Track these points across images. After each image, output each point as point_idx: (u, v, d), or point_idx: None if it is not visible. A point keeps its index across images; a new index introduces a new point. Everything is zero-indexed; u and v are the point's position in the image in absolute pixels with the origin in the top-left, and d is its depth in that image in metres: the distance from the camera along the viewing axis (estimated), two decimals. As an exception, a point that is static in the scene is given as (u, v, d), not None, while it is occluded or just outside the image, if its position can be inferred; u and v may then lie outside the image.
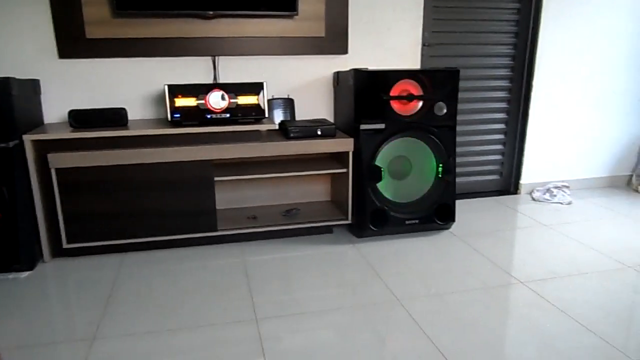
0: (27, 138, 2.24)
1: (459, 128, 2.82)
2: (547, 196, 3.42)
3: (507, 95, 3.41)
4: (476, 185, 3.55)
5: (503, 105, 3.43)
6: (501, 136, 3.49)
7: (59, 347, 1.73)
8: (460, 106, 2.72)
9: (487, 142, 3.48)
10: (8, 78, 2.17)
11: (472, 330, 1.81)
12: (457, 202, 2.81)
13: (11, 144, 2.17)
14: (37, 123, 2.53)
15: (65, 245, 2.38)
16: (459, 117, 2.75)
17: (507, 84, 3.39)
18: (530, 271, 2.30)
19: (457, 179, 2.88)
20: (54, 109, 2.64)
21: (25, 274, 2.30)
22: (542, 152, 3.53)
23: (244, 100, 2.51)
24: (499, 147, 3.51)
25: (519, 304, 2.01)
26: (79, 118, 2.40)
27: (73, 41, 2.56)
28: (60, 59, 2.59)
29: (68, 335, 1.80)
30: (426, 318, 1.89)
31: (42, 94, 2.61)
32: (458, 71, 2.62)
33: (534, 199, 3.44)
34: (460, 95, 2.73)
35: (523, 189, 3.57)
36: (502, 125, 3.47)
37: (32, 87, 2.49)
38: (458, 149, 3.00)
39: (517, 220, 3.05)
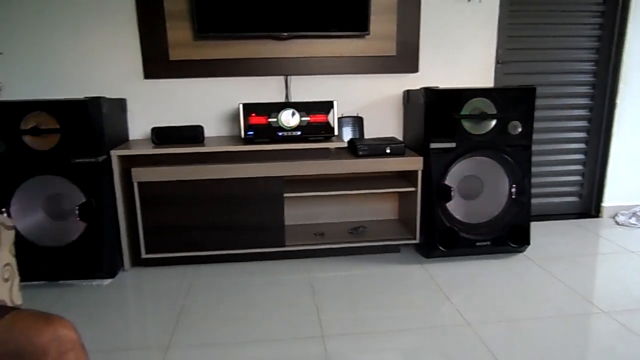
0: (114, 153, 2.40)
1: (535, 147, 2.70)
2: (633, 220, 3.19)
3: (587, 113, 3.24)
4: (553, 207, 3.38)
5: (583, 123, 3.25)
6: (581, 156, 3.31)
7: (135, 353, 1.82)
8: (536, 124, 2.61)
9: (566, 162, 3.31)
10: (99, 97, 2.35)
11: (548, 361, 1.71)
12: (533, 224, 2.68)
13: (100, 158, 2.33)
14: (123, 139, 2.71)
15: (143, 255, 2.52)
16: (535, 136, 2.64)
17: (588, 102, 3.22)
18: (615, 300, 2.14)
19: (533, 200, 2.75)
20: (138, 126, 2.83)
21: (107, 281, 2.44)
22: (627, 173, 3.30)
23: (314, 118, 2.55)
24: (579, 167, 3.33)
25: (601, 335, 1.88)
26: (160, 135, 2.55)
27: (157, 63, 2.74)
28: (145, 79, 2.78)
29: (144, 343, 1.89)
30: (498, 344, 1.81)
31: (128, 112, 2.80)
32: (534, 89, 2.52)
33: (618, 223, 3.22)
34: (537, 113, 2.63)
35: (605, 212, 3.35)
36: (582, 145, 3.29)
37: (120, 105, 2.68)
38: (534, 169, 2.87)
39: (600, 245, 2.86)
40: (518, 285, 2.32)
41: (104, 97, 2.39)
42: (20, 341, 0.87)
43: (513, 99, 2.51)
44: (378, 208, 3.00)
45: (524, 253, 2.70)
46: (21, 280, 1.45)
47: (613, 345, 1.79)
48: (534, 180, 3.10)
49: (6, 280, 1.33)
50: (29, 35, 2.66)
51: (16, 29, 2.65)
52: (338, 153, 2.67)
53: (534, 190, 3.13)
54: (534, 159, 2.90)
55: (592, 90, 3.21)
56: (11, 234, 1.36)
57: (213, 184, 2.47)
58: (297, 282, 2.40)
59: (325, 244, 2.64)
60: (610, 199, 3.33)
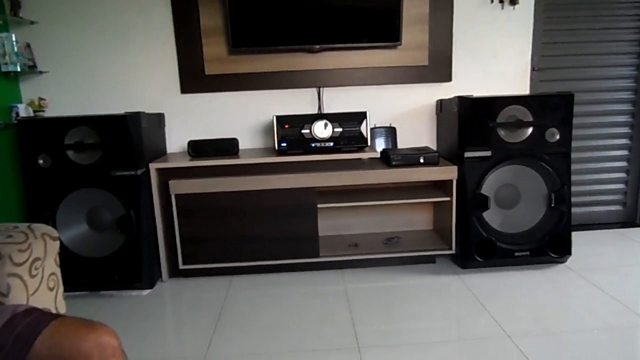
0: (153, 166, 2.47)
1: (576, 155, 2.63)
2: (681, 230, 3.05)
3: (629, 119, 3.14)
4: (595, 216, 3.27)
5: (625, 130, 3.15)
6: (624, 163, 3.19)
7: (174, 361, 1.85)
8: (576, 132, 2.55)
9: (608, 170, 3.21)
10: (139, 113, 2.43)
11: (594, 375, 1.65)
12: (575, 234, 2.59)
13: (139, 171, 2.40)
14: (161, 152, 2.78)
15: (181, 266, 2.56)
16: (575, 144, 2.56)
17: (630, 108, 3.12)
18: (663, 313, 2.05)
19: (574, 209, 2.66)
20: (176, 140, 2.90)
21: (146, 292, 2.50)
22: (673, 181, 3.17)
23: (347, 129, 2.56)
24: (622, 175, 3.22)
25: (649, 349, 1.80)
26: (196, 148, 2.61)
27: (194, 78, 2.82)
28: (182, 94, 2.85)
29: (181, 353, 1.92)
30: (540, 357, 1.75)
31: (166, 126, 2.87)
32: (572, 95, 2.46)
33: (664, 233, 3.09)
34: (576, 120, 2.56)
35: (651, 222, 3.22)
36: (625, 152, 3.18)
37: (158, 120, 2.76)
38: (575, 177, 2.79)
39: (645, 255, 2.75)
40: (559, 297, 2.26)
41: (143, 112, 2.47)
42: (65, 346, 0.90)
43: (550, 106, 2.46)
44: (412, 218, 2.97)
45: (566, 264, 2.61)
46: (65, 290, 1.51)
47: (663, 360, 1.72)
48: (575, 188, 3.02)
49: (51, 289, 1.38)
50: (73, 55, 2.78)
51: (61, 48, 2.77)
52: (371, 163, 2.67)
53: (575, 199, 3.04)
54: (575, 166, 2.84)
55: (633, 96, 3.11)
56: (56, 245, 1.42)
57: (248, 196, 2.50)
58: (332, 293, 2.39)
59: (359, 254, 2.63)
60: (656, 207, 3.20)
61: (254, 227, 2.54)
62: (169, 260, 2.61)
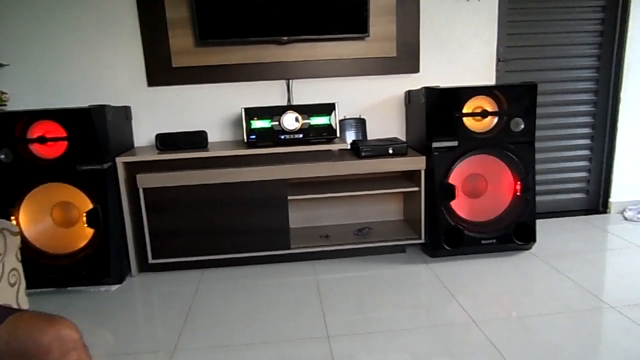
0: (119, 160, 2.43)
1: (539, 144, 2.70)
2: (641, 216, 3.16)
3: (591, 108, 3.23)
4: (560, 204, 3.36)
5: (587, 119, 3.24)
6: (586, 152, 3.29)
7: (143, 357, 1.84)
8: (540, 122, 2.61)
9: (571, 159, 3.30)
10: (104, 106, 2.39)
11: (556, 356, 1.70)
12: (539, 221, 2.67)
13: (105, 165, 2.36)
14: (128, 146, 2.74)
15: (150, 261, 2.54)
16: (539, 133, 2.63)
17: (592, 97, 3.21)
18: (623, 295, 2.13)
19: (539, 198, 2.74)
20: (143, 133, 2.86)
21: (115, 287, 2.47)
22: (634, 167, 3.28)
23: (316, 121, 2.57)
24: (585, 163, 3.31)
25: (608, 330, 1.87)
26: (164, 141, 2.58)
27: (160, 70, 2.77)
28: (149, 87, 2.81)
29: (151, 346, 1.91)
30: (505, 342, 1.80)
31: (133, 119, 2.83)
32: (536, 85, 2.52)
33: (626, 219, 3.19)
34: (540, 110, 2.62)
35: (613, 208, 3.32)
36: (587, 141, 3.27)
37: (124, 113, 2.72)
38: (539, 166, 2.86)
39: (608, 241, 2.84)
40: (524, 283, 2.32)
41: (108, 105, 2.43)
42: (24, 341, 0.89)
43: (514, 96, 2.51)
44: (383, 209, 3.01)
45: (531, 250, 2.69)
46: (31, 286, 1.48)
47: (620, 340, 1.78)
48: (540, 177, 3.10)
49: (12, 284, 1.36)
50: (35, 47, 2.71)
51: (22, 40, 2.70)
52: (341, 155, 2.68)
53: (540, 188, 3.13)
54: (540, 156, 2.91)
55: (595, 86, 3.20)
56: (17, 240, 1.39)
57: (217, 189, 2.49)
58: (303, 284, 2.41)
59: (330, 245, 2.64)
60: (618, 194, 3.31)
61: (225, 220, 2.53)
62: (138, 255, 2.59)
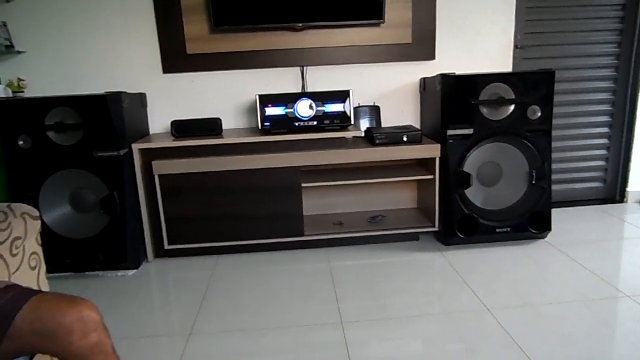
0: (135, 147, 2.45)
1: (556, 132, 2.66)
2: (659, 205, 3.11)
3: (611, 96, 3.17)
4: (576, 193, 3.32)
5: (606, 107, 3.19)
6: (605, 140, 3.24)
7: (159, 340, 1.87)
8: (558, 109, 2.56)
9: (589, 147, 3.25)
10: (120, 92, 2.41)
11: (569, 344, 1.69)
12: (555, 210, 2.64)
13: (122, 152, 2.39)
14: (143, 133, 2.76)
15: (166, 247, 2.57)
16: (557, 121, 2.59)
17: (611, 85, 3.15)
18: (639, 284, 2.10)
19: (555, 186, 2.71)
20: (158, 120, 2.88)
21: (132, 272, 2.50)
22: (653, 157, 3.23)
23: (330, 108, 2.56)
24: (602, 152, 3.26)
25: (624, 318, 1.86)
26: (180, 128, 2.60)
27: (175, 57, 2.78)
28: (164, 74, 2.82)
29: (168, 330, 1.95)
30: (519, 329, 1.80)
31: (148, 106, 2.85)
32: (553, 72, 2.48)
33: (643, 209, 3.15)
34: (558, 98, 2.58)
35: (630, 197, 3.28)
36: (605, 129, 3.22)
37: (140, 100, 2.73)
38: (555, 155, 2.83)
39: (625, 230, 2.81)
40: (538, 271, 2.30)
41: (124, 92, 2.44)
42: (46, 321, 0.91)
43: (531, 84, 2.48)
44: (396, 196, 3.00)
45: (545, 239, 2.67)
46: (49, 271, 1.51)
47: (637, 329, 1.77)
48: (556, 165, 3.06)
49: (33, 268, 1.38)
50: (51, 34, 2.73)
51: (39, 28, 2.72)
52: (355, 142, 2.68)
53: (556, 176, 3.09)
54: (557, 144, 2.87)
55: (614, 73, 3.14)
56: (37, 224, 1.41)
57: (231, 175, 2.50)
58: (317, 271, 2.42)
59: (344, 232, 2.65)
60: (635, 183, 3.26)
61: (239, 207, 2.55)
62: (154, 241, 2.62)
